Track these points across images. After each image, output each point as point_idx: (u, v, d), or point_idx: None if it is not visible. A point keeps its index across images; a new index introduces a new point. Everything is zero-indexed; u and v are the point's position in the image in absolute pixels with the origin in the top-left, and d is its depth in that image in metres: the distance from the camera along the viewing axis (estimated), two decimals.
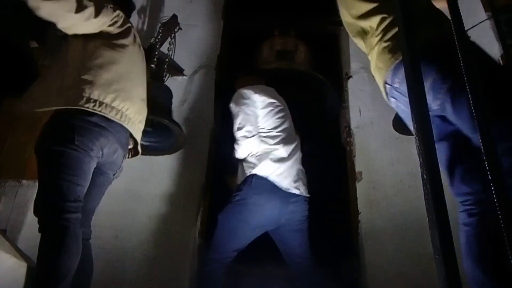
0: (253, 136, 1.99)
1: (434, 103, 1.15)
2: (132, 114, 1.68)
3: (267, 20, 3.09)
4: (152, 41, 2.48)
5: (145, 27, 2.84)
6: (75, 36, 1.65)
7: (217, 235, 1.91)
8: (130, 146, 1.83)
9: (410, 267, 2.06)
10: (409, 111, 1.29)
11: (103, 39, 1.65)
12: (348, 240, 2.41)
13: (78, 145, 1.46)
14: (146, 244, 2.20)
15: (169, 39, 2.58)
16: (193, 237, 2.28)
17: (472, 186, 1.18)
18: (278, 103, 2.16)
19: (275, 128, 2.07)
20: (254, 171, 1.93)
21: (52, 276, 1.32)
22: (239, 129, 2.01)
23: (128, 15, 1.89)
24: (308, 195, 2.05)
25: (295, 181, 1.99)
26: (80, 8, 1.53)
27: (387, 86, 1.31)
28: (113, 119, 1.57)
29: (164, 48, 2.54)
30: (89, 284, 1.58)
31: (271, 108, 2.10)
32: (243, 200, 1.90)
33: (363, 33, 1.46)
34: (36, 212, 1.43)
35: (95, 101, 1.52)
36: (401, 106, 1.32)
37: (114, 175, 1.75)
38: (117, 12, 1.71)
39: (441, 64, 1.13)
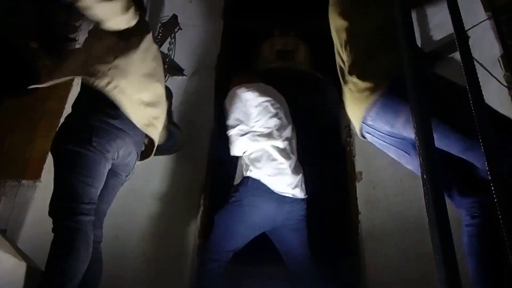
0: (245, 134, 2.01)
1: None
2: None
3: (267, 20, 3.08)
4: None
5: None
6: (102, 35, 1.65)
7: (214, 235, 1.94)
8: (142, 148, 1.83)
9: (410, 267, 2.05)
10: (384, 142, 1.43)
11: (124, 38, 1.65)
12: (348, 240, 2.41)
13: (96, 147, 1.45)
14: (146, 244, 2.20)
15: (169, 39, 2.59)
16: (193, 237, 2.28)
17: (474, 196, 1.22)
18: (273, 101, 2.12)
19: (269, 127, 2.05)
20: (249, 174, 1.97)
21: (58, 278, 1.31)
22: (232, 127, 2.04)
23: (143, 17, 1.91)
24: (304, 196, 2.04)
25: (290, 184, 1.98)
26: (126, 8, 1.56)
27: (362, 124, 1.43)
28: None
29: (164, 48, 2.54)
30: (97, 286, 1.57)
31: (264, 106, 2.08)
32: (239, 201, 1.93)
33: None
34: (50, 213, 1.41)
35: (115, 86, 1.52)
36: (377, 139, 1.46)
37: (126, 176, 1.74)
38: (138, 13, 1.72)
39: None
